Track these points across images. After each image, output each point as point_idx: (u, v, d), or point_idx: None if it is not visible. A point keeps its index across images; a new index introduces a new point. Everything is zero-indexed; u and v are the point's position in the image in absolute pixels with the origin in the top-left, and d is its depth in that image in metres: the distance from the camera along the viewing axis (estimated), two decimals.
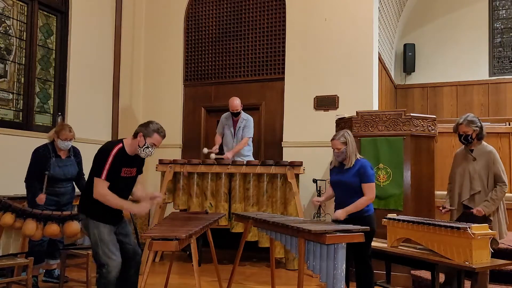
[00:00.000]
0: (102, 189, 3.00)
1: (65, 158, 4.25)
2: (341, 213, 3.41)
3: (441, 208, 3.84)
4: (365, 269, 3.48)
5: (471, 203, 3.63)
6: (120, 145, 3.10)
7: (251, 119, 5.75)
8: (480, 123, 3.67)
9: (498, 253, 3.57)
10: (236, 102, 5.57)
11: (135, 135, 3.15)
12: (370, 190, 3.45)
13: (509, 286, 3.91)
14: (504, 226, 3.61)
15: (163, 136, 3.20)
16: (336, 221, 3.48)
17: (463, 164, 3.72)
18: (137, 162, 3.26)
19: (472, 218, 3.54)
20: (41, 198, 4.01)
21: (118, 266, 3.04)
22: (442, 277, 3.87)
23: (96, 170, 3.04)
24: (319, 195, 5.61)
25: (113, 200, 3.03)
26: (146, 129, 3.12)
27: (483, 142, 3.71)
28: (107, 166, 3.00)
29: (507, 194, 4.93)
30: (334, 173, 3.65)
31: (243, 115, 5.71)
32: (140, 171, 3.33)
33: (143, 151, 3.14)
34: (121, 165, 3.09)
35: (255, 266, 5.35)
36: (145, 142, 3.12)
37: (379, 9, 6.50)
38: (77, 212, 3.25)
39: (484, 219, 3.53)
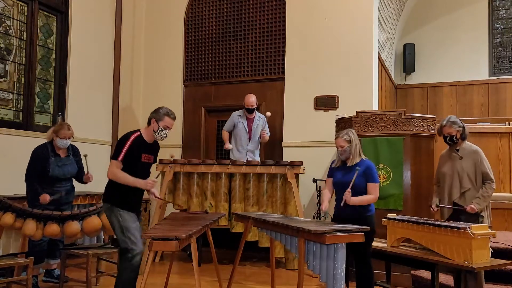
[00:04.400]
0: (114, 168, 3.27)
1: (65, 157, 4.25)
2: (352, 199, 3.39)
3: (433, 207, 3.90)
4: (365, 269, 3.48)
5: (462, 201, 3.70)
6: (138, 133, 3.39)
7: (265, 117, 5.80)
8: (461, 123, 3.79)
9: (498, 253, 3.57)
10: (252, 99, 5.60)
11: (148, 123, 3.43)
12: (375, 190, 3.49)
13: (509, 286, 3.91)
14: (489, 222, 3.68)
15: (174, 118, 3.46)
16: (336, 220, 3.49)
17: (450, 164, 3.80)
18: (155, 150, 3.55)
19: (463, 216, 3.58)
20: (45, 197, 4.01)
21: (142, 252, 3.29)
22: (442, 277, 3.88)
23: (114, 153, 3.33)
24: (319, 195, 5.62)
25: (123, 177, 3.27)
26: (157, 114, 3.40)
27: (467, 142, 3.82)
28: (124, 150, 3.27)
29: (506, 194, 4.98)
30: (337, 173, 3.63)
31: (257, 113, 5.75)
32: (155, 159, 3.62)
33: (158, 134, 3.40)
34: (140, 151, 3.36)
35: (255, 266, 5.35)
36: (159, 126, 3.38)
37: (379, 9, 6.50)
38: (102, 202, 3.46)
39: (475, 215, 3.58)
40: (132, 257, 3.22)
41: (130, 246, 3.23)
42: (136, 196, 3.43)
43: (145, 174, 3.47)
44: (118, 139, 3.46)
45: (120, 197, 3.31)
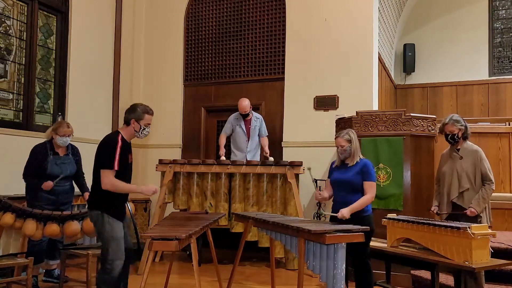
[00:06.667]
0: (110, 179, 3.09)
1: (64, 155, 4.24)
2: (347, 212, 3.40)
3: (432, 209, 3.89)
4: (364, 269, 3.48)
5: (460, 201, 3.69)
6: (120, 135, 3.22)
7: (262, 117, 5.83)
8: (464, 122, 3.76)
9: (498, 253, 3.57)
10: (245, 104, 5.58)
11: (127, 123, 3.28)
12: (372, 189, 3.48)
13: (509, 286, 3.91)
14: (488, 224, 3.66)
15: (152, 114, 3.35)
16: (334, 221, 3.49)
17: (450, 164, 3.79)
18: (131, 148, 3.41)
19: (462, 217, 3.58)
20: (49, 184, 3.99)
21: (122, 264, 3.15)
22: (442, 277, 3.88)
23: (105, 162, 3.12)
24: None
25: (122, 186, 3.15)
26: (136, 113, 3.26)
27: (468, 142, 3.79)
28: (117, 157, 3.11)
29: (506, 194, 4.97)
30: (335, 172, 3.65)
31: (254, 114, 5.77)
32: None
33: (141, 133, 3.30)
34: (127, 153, 3.24)
35: (255, 266, 5.35)
36: (140, 126, 3.27)
37: (379, 9, 6.50)
38: (88, 209, 3.29)
39: (474, 217, 3.58)
40: (111, 269, 3.09)
41: (111, 257, 3.10)
42: (123, 201, 3.32)
43: (130, 175, 3.36)
44: (100, 145, 3.23)
45: (110, 204, 3.16)
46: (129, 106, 3.36)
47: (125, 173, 3.23)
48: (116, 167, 3.10)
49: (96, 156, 3.22)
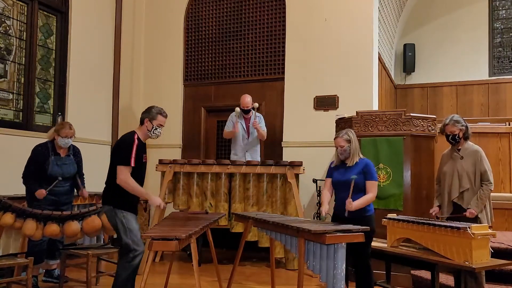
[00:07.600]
0: (125, 175, 3.26)
1: (65, 156, 4.24)
2: (355, 205, 3.37)
3: (431, 213, 3.88)
4: (365, 269, 3.48)
5: (460, 201, 3.69)
6: (136, 135, 3.41)
7: (262, 116, 5.83)
8: (465, 122, 3.76)
9: (498, 253, 3.57)
10: (247, 99, 5.61)
11: (141, 123, 3.48)
12: (374, 188, 3.49)
13: (509, 286, 3.91)
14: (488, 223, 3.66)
15: (166, 116, 3.57)
16: (335, 220, 3.48)
17: (451, 164, 3.79)
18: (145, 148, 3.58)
19: (461, 217, 3.58)
20: (42, 192, 4.00)
21: (143, 252, 3.34)
22: (442, 277, 3.88)
23: (121, 159, 3.28)
24: (318, 195, 5.62)
25: (134, 186, 3.29)
26: (150, 113, 3.47)
27: (469, 142, 3.79)
28: (133, 154, 3.28)
29: (506, 194, 4.97)
30: (336, 173, 3.63)
31: (254, 112, 5.75)
32: None
33: (153, 133, 3.48)
34: (142, 153, 3.41)
35: (255, 266, 5.35)
36: (153, 125, 3.46)
37: (379, 9, 6.50)
38: (102, 204, 3.48)
39: (474, 217, 3.58)
40: (133, 257, 3.28)
41: (133, 247, 3.28)
42: (136, 197, 3.44)
43: (144, 175, 3.52)
44: (118, 143, 3.45)
45: (122, 198, 3.32)
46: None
47: (139, 172, 3.38)
48: (132, 164, 3.26)
49: (112, 154, 3.41)
